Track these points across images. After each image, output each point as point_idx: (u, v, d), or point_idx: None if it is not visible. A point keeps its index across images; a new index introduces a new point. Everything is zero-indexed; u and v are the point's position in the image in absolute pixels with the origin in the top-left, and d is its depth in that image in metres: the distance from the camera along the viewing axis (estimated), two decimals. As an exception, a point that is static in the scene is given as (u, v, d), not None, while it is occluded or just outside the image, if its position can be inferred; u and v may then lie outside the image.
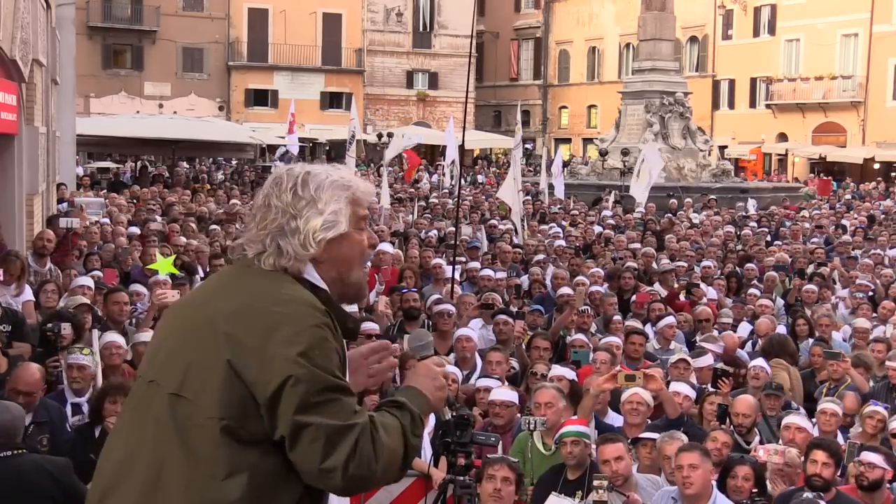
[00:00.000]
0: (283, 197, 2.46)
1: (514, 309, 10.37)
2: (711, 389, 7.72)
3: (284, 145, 30.73)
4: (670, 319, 9.93)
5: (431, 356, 2.40)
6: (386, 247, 13.10)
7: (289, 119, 29.51)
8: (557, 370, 7.51)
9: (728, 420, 7.00)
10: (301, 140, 46.31)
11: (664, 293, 11.92)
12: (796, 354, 9.65)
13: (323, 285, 2.48)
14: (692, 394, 7.39)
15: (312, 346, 2.29)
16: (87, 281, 9.05)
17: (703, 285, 12.46)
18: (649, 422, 6.89)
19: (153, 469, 2.30)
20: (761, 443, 6.78)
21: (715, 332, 9.85)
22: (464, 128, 13.09)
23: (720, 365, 8.38)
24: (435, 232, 16.38)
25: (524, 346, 8.67)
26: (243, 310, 2.34)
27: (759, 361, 8.55)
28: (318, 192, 2.47)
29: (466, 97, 13.88)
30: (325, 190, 2.48)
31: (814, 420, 7.18)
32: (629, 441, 6.11)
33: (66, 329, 6.96)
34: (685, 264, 14.18)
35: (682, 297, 12.09)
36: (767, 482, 5.98)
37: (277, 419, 2.27)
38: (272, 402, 2.26)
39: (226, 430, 2.27)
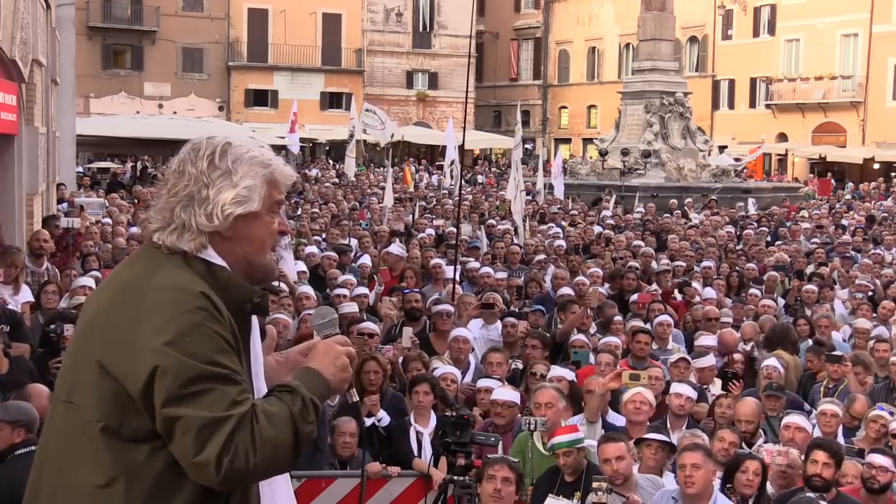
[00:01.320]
0: (199, 164, 2.33)
1: (514, 309, 10.37)
2: (720, 392, 7.72)
3: (285, 145, 30.69)
4: (665, 318, 9.93)
5: (336, 335, 2.19)
6: (394, 248, 13.11)
7: (290, 118, 29.52)
8: (557, 371, 7.51)
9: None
10: (301, 140, 46.41)
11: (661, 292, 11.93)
12: (797, 343, 9.86)
13: (221, 263, 2.34)
14: (693, 394, 7.39)
15: (182, 333, 2.15)
16: (88, 281, 9.05)
17: (696, 284, 12.43)
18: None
19: (55, 480, 2.27)
20: (766, 443, 6.79)
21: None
22: (464, 128, 13.11)
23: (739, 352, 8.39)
24: (432, 231, 16.36)
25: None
26: (111, 304, 2.25)
27: (773, 361, 8.56)
28: (236, 164, 2.34)
29: (466, 97, 13.88)
30: (243, 164, 2.35)
31: (813, 420, 7.19)
32: (632, 441, 6.10)
33: (69, 330, 6.96)
34: (684, 264, 14.18)
35: (676, 296, 12.10)
36: (769, 484, 5.98)
37: (154, 412, 2.15)
38: (144, 396, 2.15)
39: (105, 430, 2.19)
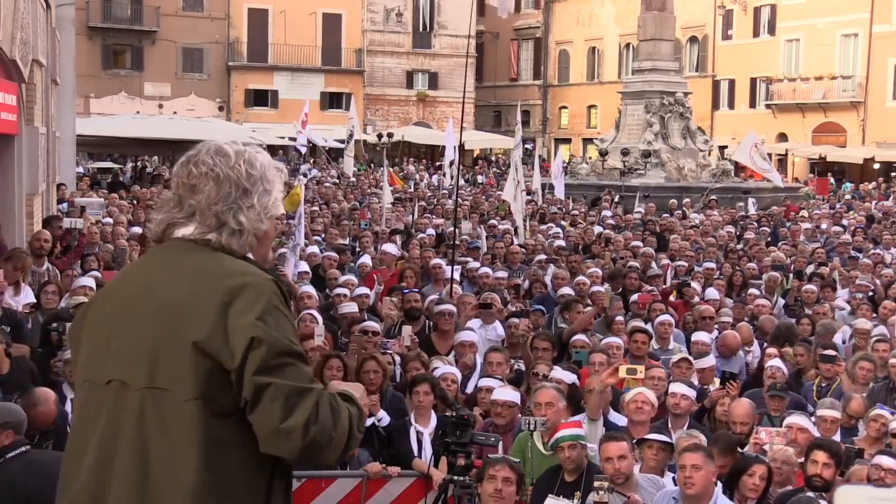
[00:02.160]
0: (236, 170, 2.43)
1: (513, 308, 10.37)
2: (719, 391, 7.71)
3: (293, 141, 30.48)
4: (665, 317, 9.93)
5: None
6: (389, 247, 13.11)
7: (301, 118, 29.65)
8: (558, 373, 7.49)
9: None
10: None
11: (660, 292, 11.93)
12: (797, 335, 9.99)
13: (252, 258, 2.50)
14: (692, 393, 7.39)
15: (267, 311, 2.31)
16: (88, 281, 9.05)
17: (696, 285, 12.42)
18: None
19: (139, 468, 2.27)
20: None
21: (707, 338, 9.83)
22: (461, 128, 13.11)
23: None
24: (432, 231, 16.36)
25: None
26: (194, 290, 2.32)
27: (776, 362, 8.55)
28: (264, 170, 2.49)
29: (464, 98, 13.88)
30: (269, 169, 2.51)
31: (813, 420, 7.18)
32: (634, 441, 6.10)
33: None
34: (685, 264, 14.18)
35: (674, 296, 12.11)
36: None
37: (244, 383, 2.27)
38: (239, 370, 2.27)
39: (203, 406, 2.27)
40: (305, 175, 30.47)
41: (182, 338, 2.28)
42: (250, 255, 2.49)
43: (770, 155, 45.97)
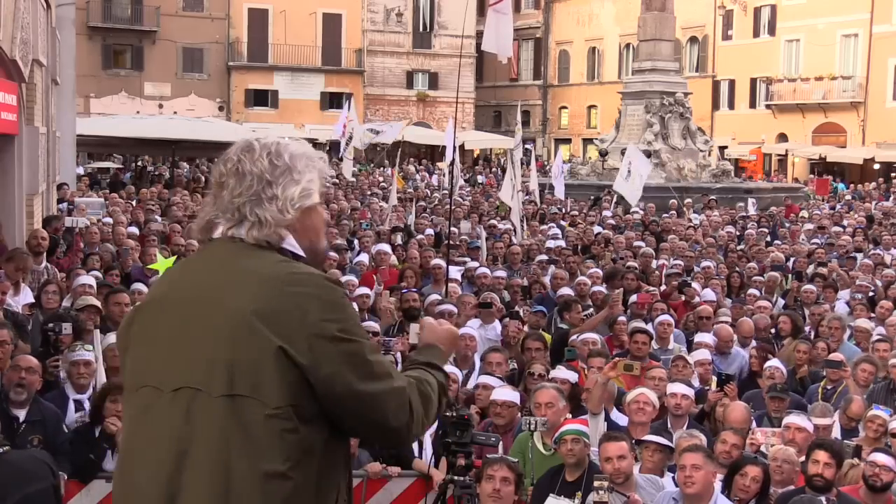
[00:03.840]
0: (259, 164, 2.43)
1: (517, 309, 10.37)
2: (717, 393, 7.71)
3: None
4: (666, 317, 9.94)
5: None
6: (384, 247, 13.12)
7: (342, 121, 29.26)
8: (559, 373, 7.49)
9: None
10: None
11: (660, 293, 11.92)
12: (804, 329, 10.22)
13: (301, 253, 2.49)
14: (690, 392, 7.39)
15: (344, 317, 2.36)
16: (88, 280, 9.04)
17: (696, 285, 12.43)
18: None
19: (218, 475, 2.24)
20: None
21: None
22: (455, 128, 13.07)
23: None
24: (431, 231, 16.36)
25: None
26: (266, 296, 2.31)
27: (775, 362, 8.55)
28: (293, 160, 2.48)
29: (457, 97, 13.86)
30: (299, 159, 2.49)
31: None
32: (633, 442, 6.10)
33: (67, 329, 6.96)
34: (681, 263, 14.18)
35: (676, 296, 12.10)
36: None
37: (333, 391, 2.31)
38: (326, 378, 2.30)
39: (294, 414, 2.29)
40: None
41: (264, 346, 2.28)
42: (294, 247, 2.47)
43: (770, 156, 46.01)
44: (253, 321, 2.28)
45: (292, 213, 2.44)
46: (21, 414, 5.78)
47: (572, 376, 7.50)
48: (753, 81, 47.83)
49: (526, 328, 9.48)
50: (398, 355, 8.08)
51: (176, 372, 2.33)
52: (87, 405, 6.37)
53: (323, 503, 2.37)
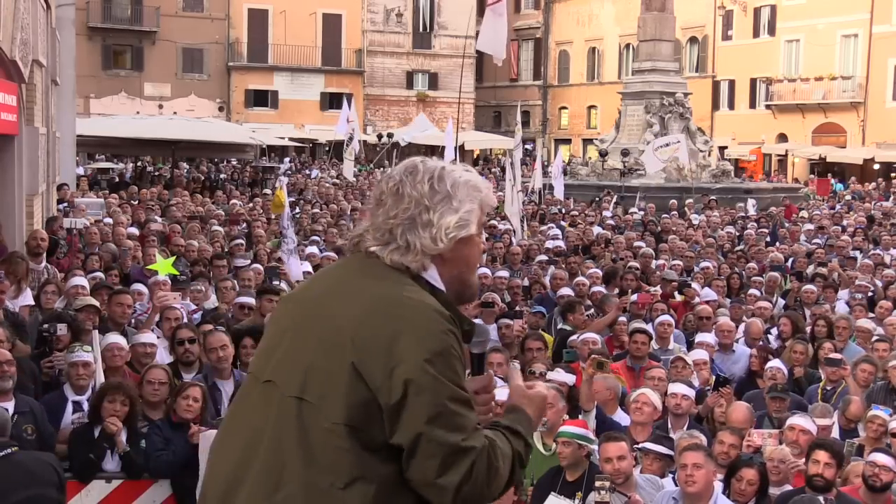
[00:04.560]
0: (419, 187, 2.39)
1: (518, 309, 10.36)
2: (714, 397, 7.70)
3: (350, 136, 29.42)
4: (666, 318, 9.93)
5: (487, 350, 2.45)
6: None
7: (345, 119, 29.46)
8: (557, 375, 7.48)
9: None
10: (301, 140, 46.42)
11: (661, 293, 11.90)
12: (805, 330, 10.15)
13: (441, 286, 2.41)
14: (691, 392, 7.38)
15: (438, 352, 2.24)
16: (82, 281, 9.02)
17: (696, 285, 12.43)
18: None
19: (275, 471, 2.27)
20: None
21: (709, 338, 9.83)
22: (457, 129, 13.07)
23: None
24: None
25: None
26: (367, 314, 2.28)
27: (776, 363, 8.54)
28: (454, 188, 2.41)
29: (460, 98, 13.86)
30: (461, 188, 2.42)
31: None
32: (634, 445, 6.10)
33: (63, 330, 6.95)
34: (681, 264, 14.17)
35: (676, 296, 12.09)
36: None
37: (398, 426, 2.22)
38: (395, 409, 2.21)
39: (350, 435, 2.23)
40: (287, 175, 30.42)
41: (342, 358, 2.25)
42: (434, 279, 2.39)
43: (770, 156, 46.02)
44: (342, 334, 2.27)
45: (445, 243, 2.37)
46: (10, 406, 5.78)
47: (570, 378, 7.49)
48: (753, 81, 47.83)
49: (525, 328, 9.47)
50: None
51: (272, 365, 2.38)
52: (85, 406, 6.37)
53: None
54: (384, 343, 2.23)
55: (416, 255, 2.36)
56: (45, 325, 6.92)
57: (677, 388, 7.26)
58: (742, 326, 10.58)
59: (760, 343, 9.81)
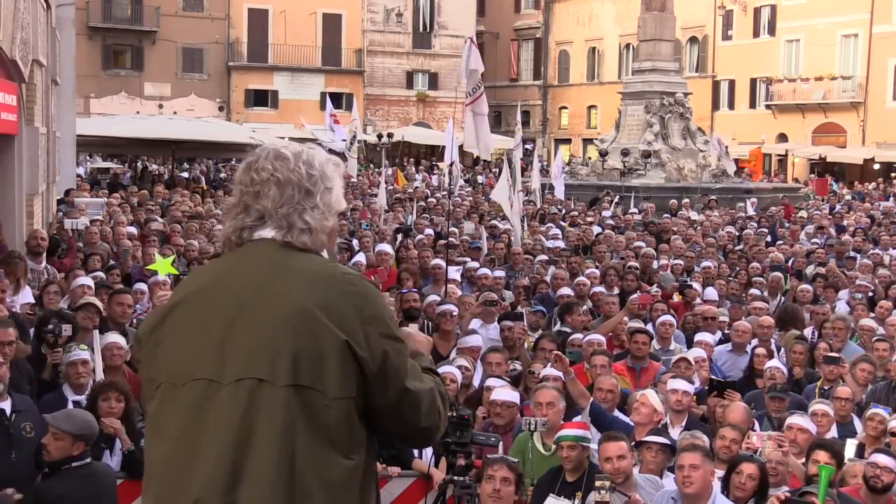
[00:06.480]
0: (297, 172, 2.49)
1: (521, 310, 10.34)
2: (714, 400, 7.70)
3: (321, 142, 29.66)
4: (667, 318, 9.93)
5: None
6: (385, 247, 13.10)
7: (329, 119, 29.61)
8: (551, 372, 7.46)
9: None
10: (301, 140, 46.39)
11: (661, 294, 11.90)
12: (805, 322, 10.31)
13: (328, 256, 2.59)
14: (691, 389, 7.38)
15: (390, 316, 2.50)
16: (87, 281, 9.02)
17: (696, 285, 12.42)
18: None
19: (285, 462, 2.29)
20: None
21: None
22: (455, 128, 13.10)
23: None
24: (431, 231, 16.32)
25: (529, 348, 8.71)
26: (324, 292, 2.39)
27: (775, 362, 8.54)
28: (323, 167, 2.54)
29: (461, 98, 13.89)
30: (328, 165, 2.56)
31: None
32: (633, 443, 6.09)
33: (67, 330, 6.95)
34: (681, 263, 14.16)
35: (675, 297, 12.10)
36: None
37: (384, 388, 2.43)
38: (380, 374, 2.41)
39: (352, 406, 2.39)
40: None
41: (331, 339, 2.35)
42: (330, 254, 2.60)
43: (770, 156, 46.04)
44: (319, 315, 2.36)
45: (332, 220, 2.54)
46: (6, 406, 5.79)
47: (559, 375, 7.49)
48: (753, 81, 47.84)
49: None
50: None
51: (235, 364, 2.35)
52: (84, 405, 6.36)
53: (372, 489, 2.52)
54: (354, 316, 2.38)
55: (317, 235, 2.51)
56: (50, 326, 6.91)
57: (678, 384, 7.27)
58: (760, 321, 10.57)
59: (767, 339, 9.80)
